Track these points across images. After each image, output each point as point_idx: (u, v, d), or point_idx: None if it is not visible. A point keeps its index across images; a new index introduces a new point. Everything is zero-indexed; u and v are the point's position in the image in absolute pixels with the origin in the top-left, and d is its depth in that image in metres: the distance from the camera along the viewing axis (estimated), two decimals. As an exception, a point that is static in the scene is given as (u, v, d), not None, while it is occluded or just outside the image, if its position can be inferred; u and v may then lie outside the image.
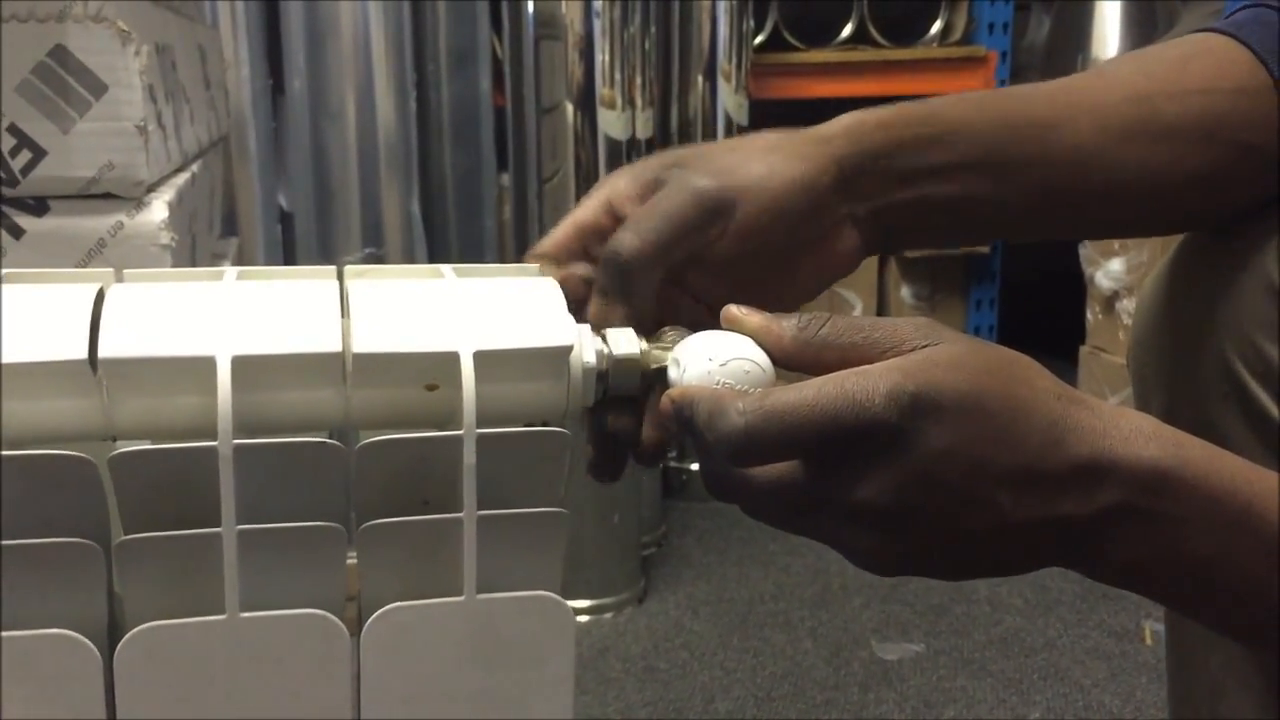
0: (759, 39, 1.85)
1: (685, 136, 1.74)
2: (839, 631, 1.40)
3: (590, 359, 0.48)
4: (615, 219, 0.51)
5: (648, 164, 0.52)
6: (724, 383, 0.45)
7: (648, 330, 0.50)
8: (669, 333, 0.49)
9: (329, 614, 0.45)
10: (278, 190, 1.50)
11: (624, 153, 1.60)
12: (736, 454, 0.43)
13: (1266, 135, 0.54)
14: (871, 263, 1.95)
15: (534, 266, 0.51)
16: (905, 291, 2.01)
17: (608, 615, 1.45)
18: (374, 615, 0.46)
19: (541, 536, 0.47)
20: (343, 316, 0.46)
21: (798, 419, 0.41)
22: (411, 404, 0.47)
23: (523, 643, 0.47)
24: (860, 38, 1.93)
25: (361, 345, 0.44)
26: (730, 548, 1.62)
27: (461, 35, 1.61)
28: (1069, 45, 2.06)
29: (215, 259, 1.07)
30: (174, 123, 0.77)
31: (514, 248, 1.63)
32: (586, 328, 0.48)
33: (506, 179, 1.64)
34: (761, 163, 0.51)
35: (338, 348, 0.44)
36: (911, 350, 0.43)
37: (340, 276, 0.48)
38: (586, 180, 1.59)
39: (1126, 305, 1.70)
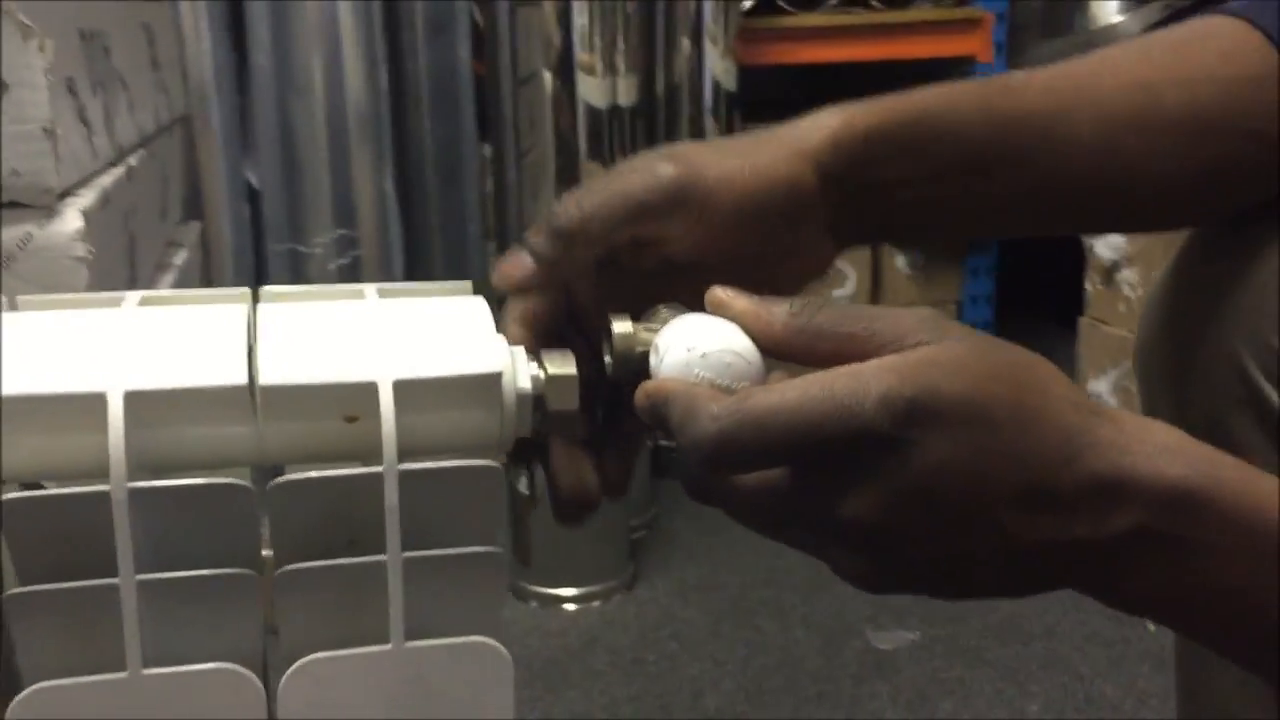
0: (747, 2, 1.79)
1: (671, 103, 1.67)
2: (832, 619, 1.36)
3: (525, 384, 0.44)
4: None
5: None
6: (703, 376, 0.41)
7: (588, 316, 0.46)
8: (663, 310, 0.45)
9: (240, 667, 0.41)
10: (245, 168, 1.45)
11: (606, 121, 1.54)
12: (708, 461, 0.39)
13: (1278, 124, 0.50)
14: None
15: (467, 284, 0.47)
16: (900, 261, 1.96)
17: (595, 604, 1.42)
18: (292, 668, 0.42)
19: (477, 578, 0.44)
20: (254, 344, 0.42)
21: (777, 425, 0.37)
22: (331, 437, 0.43)
23: (457, 694, 0.44)
24: (853, 0, 1.86)
25: (269, 377, 0.41)
26: (722, 529, 1.58)
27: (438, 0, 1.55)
28: (1067, 5, 1.99)
29: (171, 247, 1.02)
30: (104, 116, 0.73)
31: (495, 222, 1.58)
32: (520, 350, 0.45)
33: (489, 150, 1.59)
34: (737, 160, 0.47)
35: (243, 380, 0.40)
36: (913, 346, 0.38)
37: (254, 300, 0.45)
38: (565, 153, 1.53)
39: (1127, 276, 1.66)
